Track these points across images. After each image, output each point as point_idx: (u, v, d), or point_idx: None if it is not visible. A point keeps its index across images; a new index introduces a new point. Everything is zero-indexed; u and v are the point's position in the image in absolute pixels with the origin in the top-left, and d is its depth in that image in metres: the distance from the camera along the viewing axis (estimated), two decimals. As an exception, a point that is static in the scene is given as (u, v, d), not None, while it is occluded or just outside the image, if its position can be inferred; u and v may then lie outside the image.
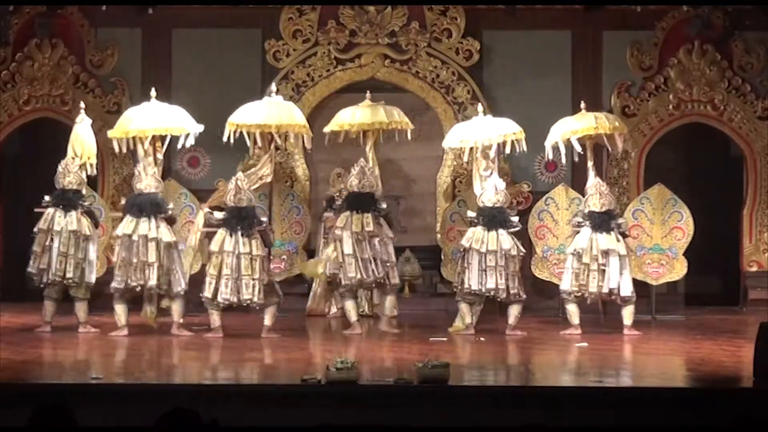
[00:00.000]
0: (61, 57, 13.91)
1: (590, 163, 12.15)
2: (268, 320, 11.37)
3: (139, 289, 11.37)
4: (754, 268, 13.95)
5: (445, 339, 11.29)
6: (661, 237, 13.24)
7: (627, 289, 11.72)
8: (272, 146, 11.97)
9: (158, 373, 9.58)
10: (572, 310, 11.80)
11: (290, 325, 12.08)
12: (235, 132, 11.69)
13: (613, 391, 8.56)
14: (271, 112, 11.80)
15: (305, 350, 10.85)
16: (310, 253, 13.59)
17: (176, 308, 11.48)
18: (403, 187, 13.88)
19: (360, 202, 11.62)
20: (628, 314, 11.80)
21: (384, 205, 11.80)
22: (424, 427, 7.70)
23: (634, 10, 13.63)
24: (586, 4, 13.72)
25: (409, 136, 12.22)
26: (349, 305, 11.73)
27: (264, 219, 11.64)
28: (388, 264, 11.63)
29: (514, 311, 11.68)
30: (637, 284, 13.09)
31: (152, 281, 11.26)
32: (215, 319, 11.34)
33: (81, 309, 11.61)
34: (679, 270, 13.26)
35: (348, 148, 13.98)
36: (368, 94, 12.36)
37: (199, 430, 5.26)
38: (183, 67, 14.12)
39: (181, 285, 11.46)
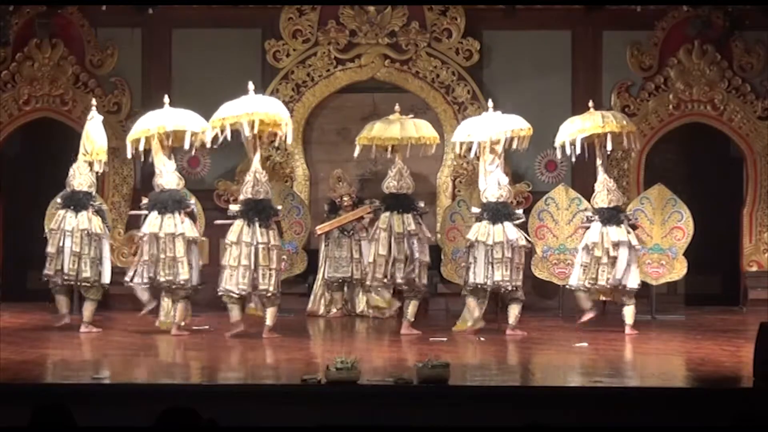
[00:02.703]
0: (61, 57, 13.91)
1: (599, 161, 12.18)
2: (269, 320, 11.35)
3: (168, 284, 11.39)
4: (754, 268, 13.95)
5: (445, 339, 11.29)
6: (661, 237, 13.23)
7: (634, 282, 11.80)
8: (259, 145, 11.76)
9: (158, 373, 9.58)
10: (582, 296, 11.90)
11: (290, 325, 12.09)
12: (222, 131, 11.34)
13: (613, 391, 8.55)
14: (260, 103, 11.44)
15: (305, 350, 10.85)
16: (310, 253, 13.59)
17: (180, 308, 11.49)
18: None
19: (399, 202, 11.79)
20: (630, 314, 11.84)
21: (422, 204, 12.00)
22: (424, 427, 7.70)
23: (634, 10, 13.64)
24: (586, 4, 13.72)
25: (432, 151, 12.34)
26: (386, 295, 12.05)
27: (279, 207, 11.71)
28: (421, 265, 11.71)
29: (513, 311, 11.69)
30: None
31: (183, 276, 11.33)
32: (235, 313, 11.33)
33: (89, 309, 11.72)
34: (679, 270, 13.26)
35: (348, 149, 13.99)
36: (397, 107, 12.40)
37: (198, 429, 5.26)
38: (183, 67, 14.11)
39: (192, 282, 11.46)
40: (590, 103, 12.40)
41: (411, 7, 14.02)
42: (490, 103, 12.32)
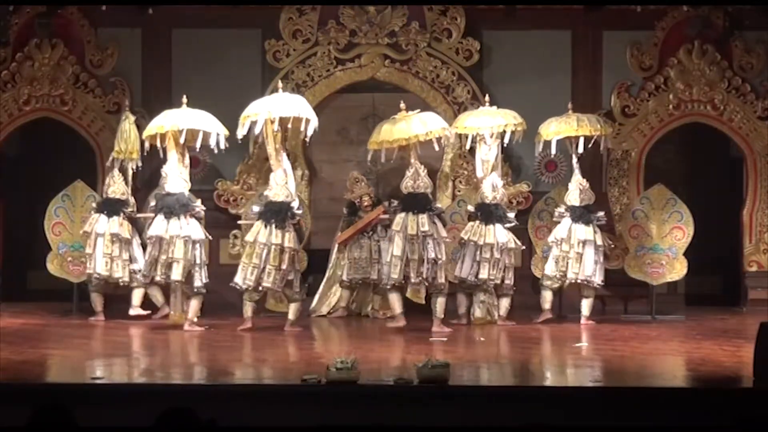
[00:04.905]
0: (61, 57, 13.89)
1: (575, 160, 12.81)
2: (291, 315, 11.76)
3: (163, 282, 11.93)
4: (754, 268, 13.94)
5: (445, 339, 11.29)
6: (661, 237, 13.24)
7: (599, 277, 12.46)
8: (280, 145, 11.98)
9: (158, 372, 9.57)
10: (547, 297, 12.65)
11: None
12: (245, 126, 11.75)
13: (613, 391, 8.56)
14: (282, 102, 11.88)
15: (305, 350, 10.85)
16: (310, 253, 13.58)
17: (193, 305, 11.81)
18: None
19: (415, 202, 11.86)
20: (587, 306, 12.58)
21: (439, 205, 12.28)
22: (424, 427, 7.69)
23: (634, 10, 13.63)
24: (586, 4, 13.72)
25: (448, 142, 12.63)
26: (394, 297, 11.96)
27: (299, 212, 11.87)
28: (437, 264, 11.78)
29: (504, 303, 12.38)
30: (637, 284, 13.19)
31: (176, 276, 11.70)
32: (247, 309, 11.74)
33: (136, 296, 12.51)
34: (679, 270, 13.27)
35: (348, 149, 14.02)
36: (402, 104, 12.44)
37: (197, 429, 5.27)
38: (183, 67, 14.11)
39: (201, 281, 11.77)
40: (569, 105, 12.87)
41: (411, 7, 14.01)
42: (487, 98, 12.82)
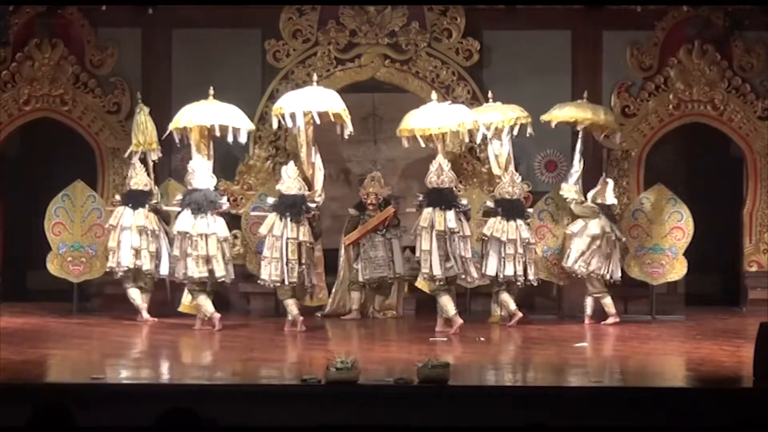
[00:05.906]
0: (61, 57, 13.88)
1: (579, 147, 12.82)
2: (290, 314, 11.67)
3: (203, 281, 11.75)
4: (754, 268, 13.93)
5: (445, 339, 11.29)
6: (661, 237, 13.23)
7: (618, 273, 12.55)
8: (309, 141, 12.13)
9: (158, 373, 9.58)
10: (609, 302, 12.49)
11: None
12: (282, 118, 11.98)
13: (613, 391, 8.56)
14: (319, 96, 12.11)
15: (305, 350, 10.86)
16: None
17: (203, 304, 11.78)
18: (404, 186, 13.85)
19: (441, 198, 11.86)
20: (610, 304, 12.50)
21: (465, 201, 12.15)
22: (424, 427, 7.70)
23: (634, 10, 13.63)
24: (586, 4, 13.72)
25: (480, 134, 12.48)
26: (445, 299, 11.76)
27: (312, 205, 11.87)
28: (466, 260, 11.82)
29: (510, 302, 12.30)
30: (637, 284, 13.17)
31: (219, 273, 11.66)
32: (292, 309, 11.64)
33: (144, 300, 12.38)
34: (679, 270, 13.27)
35: (349, 148, 14.00)
36: (434, 95, 12.54)
37: (198, 429, 5.27)
38: (183, 67, 14.10)
39: (231, 277, 11.85)
40: (585, 94, 13.01)
41: (411, 7, 14.01)
42: (490, 94, 12.86)
